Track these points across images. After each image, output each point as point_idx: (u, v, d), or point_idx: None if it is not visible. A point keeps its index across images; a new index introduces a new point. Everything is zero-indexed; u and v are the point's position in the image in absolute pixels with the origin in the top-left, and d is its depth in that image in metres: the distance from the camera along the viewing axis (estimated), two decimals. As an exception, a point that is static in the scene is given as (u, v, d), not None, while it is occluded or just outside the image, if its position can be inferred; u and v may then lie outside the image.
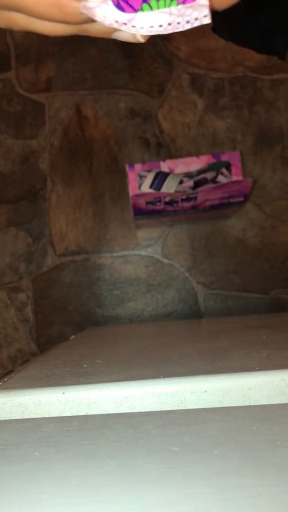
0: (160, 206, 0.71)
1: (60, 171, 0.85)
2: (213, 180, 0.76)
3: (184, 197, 0.69)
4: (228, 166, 0.75)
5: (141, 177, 0.75)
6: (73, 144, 0.86)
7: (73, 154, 0.85)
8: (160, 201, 0.70)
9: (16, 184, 0.85)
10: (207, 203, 0.72)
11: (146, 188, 0.75)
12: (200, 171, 0.77)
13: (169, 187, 0.74)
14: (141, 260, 0.85)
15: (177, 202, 0.70)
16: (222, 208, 0.74)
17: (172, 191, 0.74)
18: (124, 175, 0.84)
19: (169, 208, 0.71)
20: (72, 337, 0.69)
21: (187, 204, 0.71)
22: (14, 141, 0.85)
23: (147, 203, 0.70)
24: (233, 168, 0.75)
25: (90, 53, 0.86)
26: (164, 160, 0.72)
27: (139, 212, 0.71)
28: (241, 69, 0.85)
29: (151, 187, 0.74)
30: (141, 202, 0.69)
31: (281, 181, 0.85)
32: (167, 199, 0.69)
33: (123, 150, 0.85)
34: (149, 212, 0.71)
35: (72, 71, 0.86)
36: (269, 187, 0.85)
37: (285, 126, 0.85)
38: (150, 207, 0.70)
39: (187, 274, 0.84)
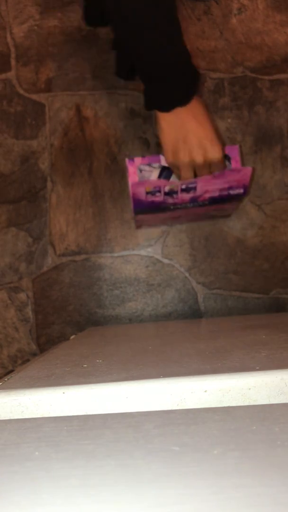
0: (159, 197, 0.70)
1: (60, 171, 0.85)
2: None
3: (183, 186, 0.69)
4: (228, 159, 0.75)
5: (141, 170, 0.74)
6: (73, 144, 0.86)
7: (73, 154, 0.86)
8: (159, 191, 0.70)
9: (16, 184, 0.85)
10: (207, 195, 0.71)
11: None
12: None
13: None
14: (141, 260, 0.85)
15: (176, 192, 0.70)
16: (223, 202, 0.73)
17: (179, 181, 0.73)
18: (124, 175, 0.84)
19: (169, 200, 0.71)
20: (72, 337, 0.69)
21: (186, 196, 0.71)
22: (14, 141, 0.85)
23: (147, 193, 0.70)
24: (232, 162, 0.75)
25: (90, 53, 0.86)
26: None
27: (138, 204, 0.71)
28: (241, 70, 0.85)
29: (159, 178, 0.74)
30: (141, 192, 0.69)
31: (281, 181, 0.85)
32: (166, 188, 0.69)
33: (123, 150, 0.85)
34: (149, 204, 0.71)
35: (72, 71, 0.86)
36: (269, 187, 0.85)
37: (285, 126, 0.85)
38: (150, 198, 0.70)
39: (187, 274, 0.84)
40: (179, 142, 0.63)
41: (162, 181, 0.70)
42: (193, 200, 0.72)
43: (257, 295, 0.84)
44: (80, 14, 0.85)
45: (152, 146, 0.85)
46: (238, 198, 0.73)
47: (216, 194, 0.71)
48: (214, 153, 0.64)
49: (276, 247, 0.84)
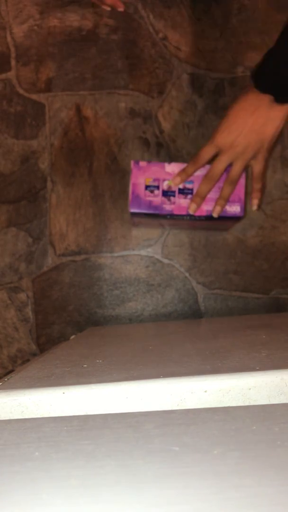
0: (158, 197, 0.71)
1: (60, 171, 0.85)
2: None
3: (181, 186, 0.70)
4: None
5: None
6: (73, 144, 0.86)
7: (73, 154, 0.85)
8: (158, 188, 0.70)
9: (16, 184, 0.85)
10: (204, 208, 0.71)
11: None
12: None
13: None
14: (141, 260, 0.85)
15: (174, 194, 0.71)
16: (220, 220, 0.73)
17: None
18: (124, 175, 0.84)
19: (166, 204, 0.71)
20: (72, 337, 0.69)
21: (183, 201, 0.71)
22: (14, 141, 0.85)
23: (146, 187, 0.70)
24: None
25: (90, 53, 0.86)
26: (169, 162, 0.72)
27: (136, 202, 0.71)
28: (241, 69, 0.85)
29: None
30: (141, 184, 0.70)
31: (281, 181, 0.85)
32: (165, 185, 0.70)
33: (123, 150, 0.85)
34: (146, 206, 0.71)
35: (72, 71, 0.86)
36: (269, 187, 0.85)
37: (285, 127, 0.85)
38: (148, 196, 0.71)
39: (187, 274, 0.84)
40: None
41: (162, 173, 0.71)
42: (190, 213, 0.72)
43: (257, 295, 0.84)
44: (77, 14, 0.85)
45: (152, 146, 0.85)
46: (235, 218, 0.73)
47: (212, 207, 0.71)
48: None
49: (276, 247, 0.84)
